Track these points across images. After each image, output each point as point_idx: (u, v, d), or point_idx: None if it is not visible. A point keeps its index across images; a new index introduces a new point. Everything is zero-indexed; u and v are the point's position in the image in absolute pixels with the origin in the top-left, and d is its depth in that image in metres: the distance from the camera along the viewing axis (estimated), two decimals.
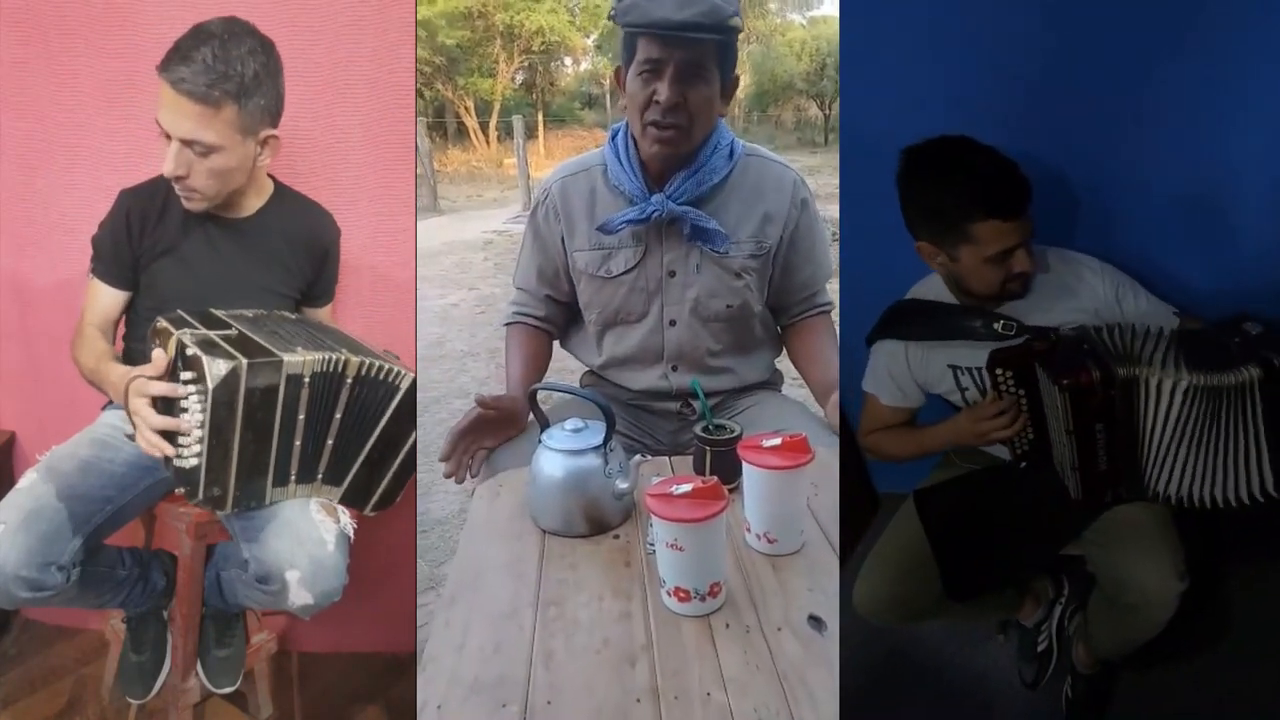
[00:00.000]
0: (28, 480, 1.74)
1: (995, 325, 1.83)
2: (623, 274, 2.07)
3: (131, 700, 2.02)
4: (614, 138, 2.07)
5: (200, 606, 1.97)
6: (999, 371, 1.78)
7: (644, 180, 2.03)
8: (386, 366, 1.72)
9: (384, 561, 2.21)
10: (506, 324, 2.24)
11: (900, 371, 1.96)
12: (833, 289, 2.22)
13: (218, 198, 1.87)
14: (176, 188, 1.83)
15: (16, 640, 2.36)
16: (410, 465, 1.81)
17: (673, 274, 2.06)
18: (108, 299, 1.92)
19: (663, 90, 1.89)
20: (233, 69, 1.72)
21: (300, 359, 1.63)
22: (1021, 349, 1.77)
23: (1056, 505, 1.84)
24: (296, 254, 2.00)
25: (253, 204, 1.97)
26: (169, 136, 1.76)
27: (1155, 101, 1.97)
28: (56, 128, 2.21)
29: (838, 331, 2.16)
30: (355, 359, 1.70)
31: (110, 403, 1.94)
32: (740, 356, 2.16)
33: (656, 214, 2.00)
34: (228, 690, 2.03)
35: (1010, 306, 1.87)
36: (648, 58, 1.89)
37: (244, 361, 1.56)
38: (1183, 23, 1.91)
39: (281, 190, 2.02)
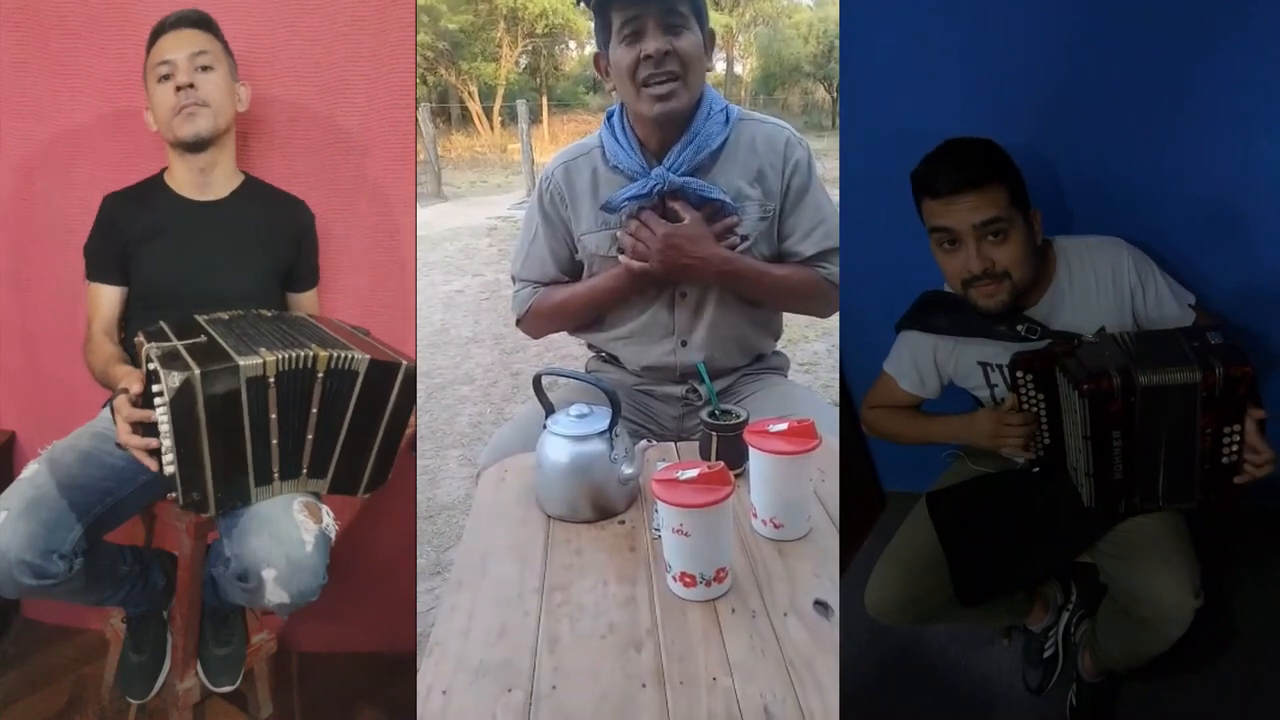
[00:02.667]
0: (30, 470, 1.76)
1: (1019, 327, 1.80)
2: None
3: (131, 700, 2.02)
4: (610, 118, 2.09)
5: (200, 606, 1.97)
6: (1020, 375, 1.75)
7: (642, 155, 2.05)
8: (347, 355, 1.72)
9: (384, 561, 2.21)
10: (522, 314, 2.24)
11: (925, 363, 1.95)
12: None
13: (219, 119, 1.98)
14: (182, 112, 1.94)
15: (16, 640, 2.35)
16: (393, 441, 1.80)
17: None
18: (107, 298, 1.98)
19: (649, 43, 1.92)
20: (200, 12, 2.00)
21: (259, 361, 1.64)
22: (1044, 353, 1.75)
23: (1070, 512, 1.82)
24: (272, 236, 2.05)
25: (227, 186, 2.04)
26: (165, 75, 1.93)
27: (1182, 100, 1.96)
28: (56, 128, 2.21)
29: (838, 319, 2.15)
30: (324, 353, 1.70)
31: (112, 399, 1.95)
32: (750, 325, 2.15)
33: (658, 187, 2.01)
34: (228, 690, 2.02)
35: (1044, 304, 1.85)
36: (625, 20, 1.93)
37: (197, 371, 1.58)
38: (1212, 21, 1.90)
39: (252, 179, 2.09)
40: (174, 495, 1.66)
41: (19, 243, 2.28)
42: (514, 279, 2.27)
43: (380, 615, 2.27)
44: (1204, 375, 1.59)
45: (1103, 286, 1.83)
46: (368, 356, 1.71)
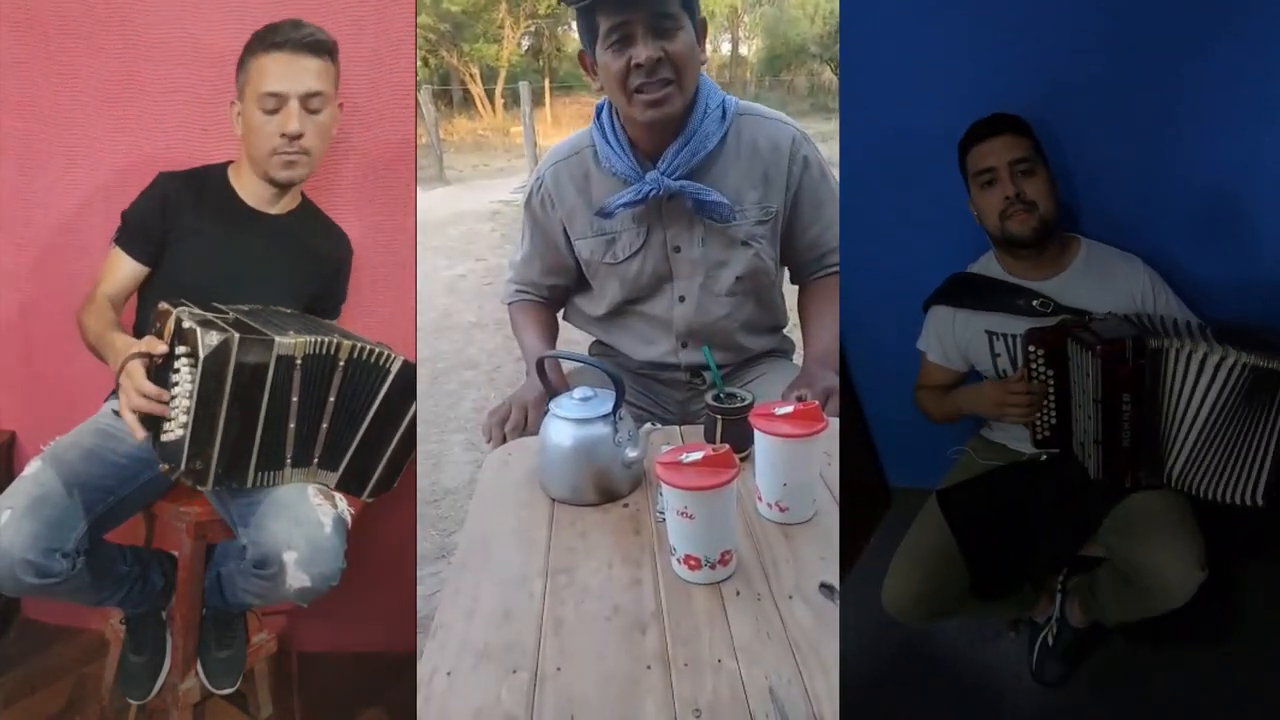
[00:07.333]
0: (33, 468, 1.75)
1: (1034, 302, 1.93)
2: (629, 258, 2.05)
3: (131, 700, 2.01)
4: (599, 116, 2.01)
5: (200, 607, 1.96)
6: (1031, 349, 1.83)
7: (634, 158, 1.98)
8: (377, 349, 1.74)
9: (384, 562, 2.20)
10: (509, 303, 2.25)
11: (946, 334, 2.04)
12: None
13: (312, 166, 1.94)
14: (284, 155, 1.88)
15: (16, 640, 2.35)
16: (407, 448, 1.80)
17: (678, 249, 2.03)
18: (125, 270, 1.92)
19: (640, 51, 1.82)
20: (322, 32, 1.89)
21: (292, 340, 1.66)
22: (1056, 328, 1.83)
23: (1078, 500, 1.87)
24: (313, 261, 2.03)
25: (288, 205, 2.01)
26: (271, 109, 1.85)
27: (1182, 96, 1.97)
28: (56, 128, 2.21)
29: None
30: (347, 342, 1.71)
31: (113, 394, 1.93)
32: (752, 325, 2.13)
33: (653, 192, 1.96)
34: (228, 691, 2.02)
35: (1051, 287, 1.94)
36: (612, 26, 1.82)
37: (235, 335, 1.59)
38: (1210, 18, 1.91)
39: (309, 202, 2.06)
40: (165, 467, 1.65)
41: (19, 243, 2.27)
42: (510, 265, 2.27)
43: (380, 615, 2.26)
44: None
45: (1115, 289, 1.93)
46: (402, 357, 1.73)
